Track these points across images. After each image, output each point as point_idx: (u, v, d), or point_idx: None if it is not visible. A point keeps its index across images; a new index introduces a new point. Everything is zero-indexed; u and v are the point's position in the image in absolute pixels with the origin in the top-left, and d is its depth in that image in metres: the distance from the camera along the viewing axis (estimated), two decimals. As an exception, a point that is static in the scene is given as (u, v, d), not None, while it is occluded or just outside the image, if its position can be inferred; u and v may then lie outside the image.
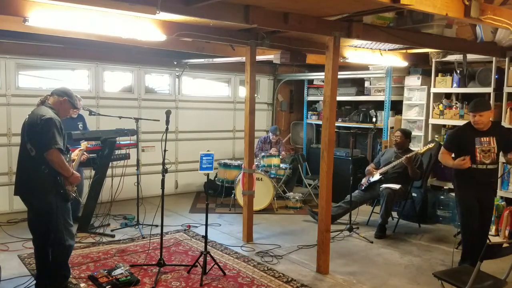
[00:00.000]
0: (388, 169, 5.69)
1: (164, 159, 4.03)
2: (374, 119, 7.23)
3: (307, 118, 8.59)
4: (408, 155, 5.46)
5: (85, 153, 4.16)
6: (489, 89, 5.74)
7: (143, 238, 5.16)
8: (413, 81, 6.69)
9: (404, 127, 6.60)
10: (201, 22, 4.11)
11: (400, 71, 6.81)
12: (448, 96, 6.42)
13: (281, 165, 6.94)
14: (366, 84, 7.40)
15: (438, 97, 6.42)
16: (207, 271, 4.13)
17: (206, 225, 4.23)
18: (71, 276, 3.81)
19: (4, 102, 6.08)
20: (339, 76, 4.25)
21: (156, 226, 5.24)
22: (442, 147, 4.48)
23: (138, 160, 5.77)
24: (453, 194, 6.07)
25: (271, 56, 5.41)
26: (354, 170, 5.75)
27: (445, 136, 6.26)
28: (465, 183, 4.29)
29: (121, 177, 5.21)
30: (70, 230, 3.60)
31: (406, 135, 5.87)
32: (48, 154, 3.33)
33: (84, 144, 4.30)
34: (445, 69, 6.37)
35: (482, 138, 4.16)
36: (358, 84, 7.56)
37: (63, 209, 3.51)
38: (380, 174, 5.73)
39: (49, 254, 3.62)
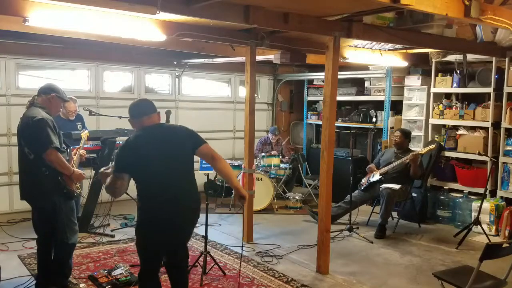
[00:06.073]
0: (388, 169, 5.69)
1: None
2: (374, 119, 7.23)
3: (307, 118, 8.59)
4: (414, 152, 5.46)
5: (83, 151, 4.15)
6: (489, 89, 5.74)
7: (143, 238, 5.16)
8: (413, 81, 6.69)
9: (404, 127, 6.59)
10: (201, 22, 4.11)
11: (400, 71, 6.80)
12: (448, 96, 6.42)
13: (281, 165, 6.94)
14: (366, 84, 7.39)
15: (438, 97, 6.42)
16: (207, 271, 4.13)
17: (206, 225, 4.23)
18: (71, 276, 3.81)
19: (4, 102, 6.07)
20: (339, 76, 4.25)
21: (156, 226, 5.23)
22: None
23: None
24: (454, 194, 6.11)
25: (271, 56, 5.40)
26: (354, 170, 5.75)
27: (445, 137, 6.28)
28: None
29: (121, 177, 5.20)
30: (74, 228, 3.61)
31: (406, 135, 5.88)
32: (46, 155, 3.32)
33: (85, 133, 4.30)
34: (445, 69, 6.36)
35: None
36: (358, 84, 7.56)
37: (67, 208, 3.51)
38: (380, 174, 5.73)
39: (51, 254, 3.62)
